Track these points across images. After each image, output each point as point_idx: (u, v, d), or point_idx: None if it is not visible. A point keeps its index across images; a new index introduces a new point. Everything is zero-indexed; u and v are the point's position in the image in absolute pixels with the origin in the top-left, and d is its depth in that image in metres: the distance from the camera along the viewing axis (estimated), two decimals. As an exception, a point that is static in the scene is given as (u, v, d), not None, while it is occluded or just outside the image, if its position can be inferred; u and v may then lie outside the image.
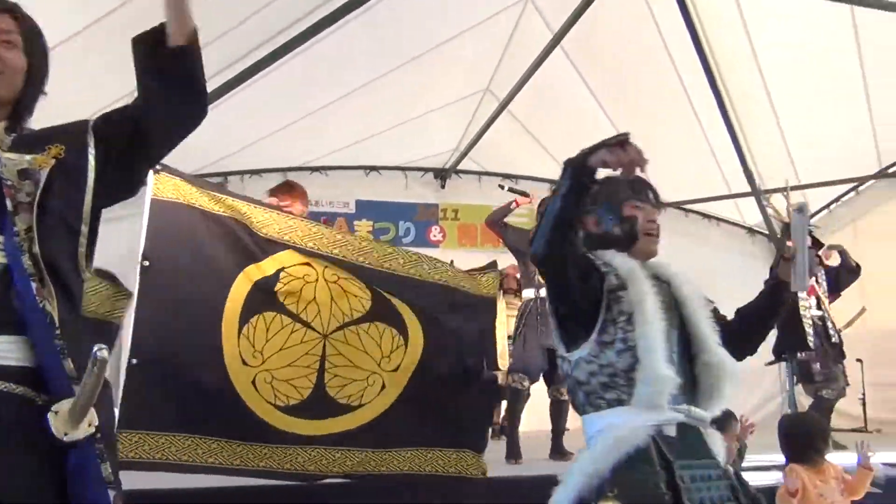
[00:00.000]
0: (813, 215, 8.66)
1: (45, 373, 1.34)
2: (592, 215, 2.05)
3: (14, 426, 1.31)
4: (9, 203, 1.41)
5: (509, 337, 5.17)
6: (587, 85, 7.12)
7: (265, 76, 5.60)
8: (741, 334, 2.05)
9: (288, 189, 4.58)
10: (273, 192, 4.53)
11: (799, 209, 2.13)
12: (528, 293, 5.08)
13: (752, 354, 2.10)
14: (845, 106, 6.87)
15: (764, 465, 4.06)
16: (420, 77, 6.62)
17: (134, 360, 2.74)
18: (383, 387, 3.02)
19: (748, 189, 7.52)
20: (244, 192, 8.16)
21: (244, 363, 2.92)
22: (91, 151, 1.54)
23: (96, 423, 1.35)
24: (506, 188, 5.38)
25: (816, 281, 5.70)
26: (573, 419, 4.82)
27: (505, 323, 6.52)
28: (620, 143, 1.88)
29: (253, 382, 2.91)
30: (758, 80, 6.73)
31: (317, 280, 3.06)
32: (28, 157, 1.48)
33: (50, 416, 1.30)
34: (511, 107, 7.09)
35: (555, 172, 7.51)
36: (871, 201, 8.40)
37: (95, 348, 1.25)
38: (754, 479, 3.58)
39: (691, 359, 1.89)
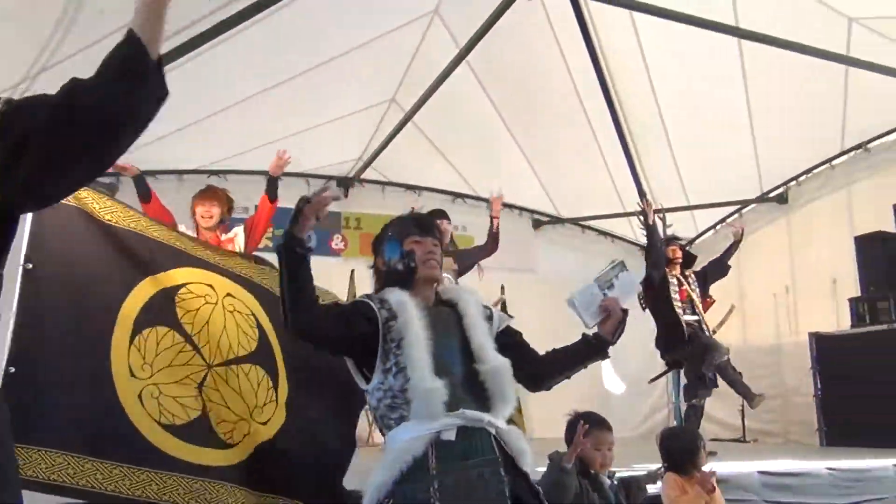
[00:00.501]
0: (700, 235, 9.13)
1: None
2: (380, 256, 2.28)
3: None
4: None
5: None
6: (491, 100, 7.25)
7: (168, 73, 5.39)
8: (541, 371, 2.30)
9: (211, 195, 4.53)
10: (196, 198, 4.48)
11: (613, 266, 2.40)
12: None
13: (545, 390, 2.38)
14: (732, 133, 7.28)
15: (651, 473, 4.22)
16: (325, 84, 6.55)
17: (12, 369, 2.56)
18: (248, 434, 2.87)
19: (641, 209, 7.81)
20: (136, 194, 7.88)
21: (132, 375, 2.76)
22: None
23: None
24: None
25: (689, 286, 5.97)
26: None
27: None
28: (317, 195, 2.22)
29: (140, 396, 2.75)
30: (653, 105, 7.04)
31: (215, 304, 2.94)
32: None
33: None
34: (416, 118, 7.12)
35: (458, 185, 7.70)
36: (751, 223, 8.91)
37: None
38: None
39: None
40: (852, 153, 7.60)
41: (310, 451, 2.96)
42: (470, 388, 2.05)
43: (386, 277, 2.23)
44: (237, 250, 4.55)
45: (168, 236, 3.00)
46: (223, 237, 4.66)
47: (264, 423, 2.91)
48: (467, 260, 5.36)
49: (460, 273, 5.25)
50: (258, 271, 3.16)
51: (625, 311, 2.34)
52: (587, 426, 2.83)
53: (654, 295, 5.89)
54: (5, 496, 1.32)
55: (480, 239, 7.80)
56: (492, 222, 5.38)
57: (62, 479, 2.59)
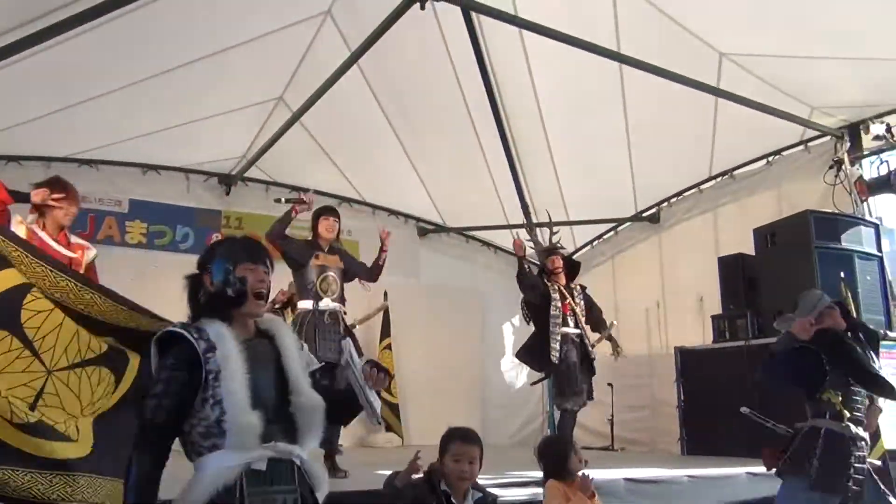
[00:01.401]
0: (578, 250, 9.46)
1: None
2: (207, 273, 2.21)
3: None
4: None
5: None
6: (380, 106, 7.24)
7: (35, 54, 5.04)
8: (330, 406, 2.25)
9: (62, 188, 4.14)
10: (40, 187, 4.07)
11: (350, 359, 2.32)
12: (306, 304, 5.02)
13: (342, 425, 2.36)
14: (611, 153, 7.60)
15: (524, 480, 4.31)
16: (210, 78, 6.32)
17: None
18: (83, 428, 2.71)
19: (523, 221, 8.00)
20: (-3, 180, 7.29)
21: None
22: None
23: None
24: (283, 200, 5.22)
25: (573, 298, 6.15)
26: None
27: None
28: None
29: None
30: (538, 122, 7.24)
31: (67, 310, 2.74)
32: None
33: None
34: (303, 119, 6.99)
35: (344, 189, 7.65)
36: (626, 241, 9.33)
37: None
38: (514, 495, 3.82)
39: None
40: (719, 179, 8.08)
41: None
42: (282, 419, 2.12)
43: (210, 298, 2.19)
44: (84, 258, 4.17)
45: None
46: (72, 240, 4.22)
47: (93, 414, 2.77)
48: (352, 267, 5.31)
49: (345, 274, 5.19)
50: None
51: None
52: (419, 455, 2.93)
53: (537, 309, 6.07)
54: None
55: (365, 244, 7.80)
56: (379, 255, 5.36)
57: None
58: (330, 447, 4.89)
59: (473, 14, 5.99)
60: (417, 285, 9.25)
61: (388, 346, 8.66)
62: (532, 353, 6.17)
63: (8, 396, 2.57)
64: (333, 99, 6.56)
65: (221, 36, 5.95)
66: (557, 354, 5.83)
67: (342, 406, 2.33)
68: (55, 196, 4.03)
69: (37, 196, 3.99)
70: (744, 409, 4.16)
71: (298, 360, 2.25)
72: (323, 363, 2.82)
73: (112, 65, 5.85)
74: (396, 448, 8.11)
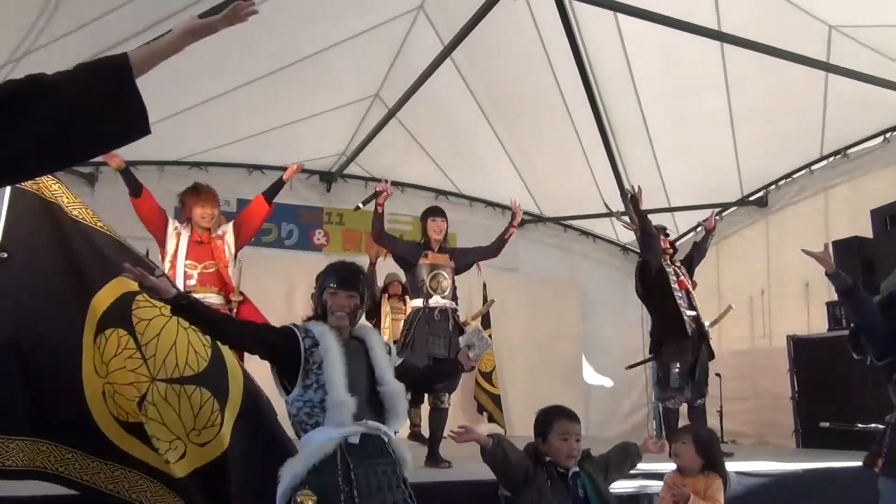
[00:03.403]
0: (680, 237, 9.19)
1: None
2: (316, 289, 2.78)
3: None
4: None
5: (395, 341, 5.21)
6: (475, 98, 7.25)
7: (144, 65, 5.35)
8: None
9: (194, 194, 4.72)
10: (193, 200, 4.68)
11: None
12: (417, 303, 5.11)
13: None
14: (713, 136, 7.34)
15: (631, 472, 4.23)
16: (309, 78, 6.53)
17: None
18: (183, 455, 2.78)
19: (623, 209, 7.85)
20: (116, 183, 7.82)
21: (95, 372, 2.77)
22: None
23: None
24: (361, 206, 5.31)
25: (690, 277, 5.92)
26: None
27: (389, 327, 6.57)
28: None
29: (102, 392, 2.77)
30: (636, 107, 7.07)
31: (170, 317, 2.82)
32: None
33: None
34: (399, 114, 7.10)
35: (440, 182, 7.71)
36: (731, 226, 8.99)
37: None
38: (620, 487, 3.77)
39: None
40: (831, 158, 7.68)
41: (252, 478, 2.87)
42: (371, 403, 2.60)
43: (315, 307, 2.75)
44: (227, 247, 4.70)
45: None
46: (214, 234, 4.76)
47: (202, 446, 2.83)
48: (466, 259, 5.37)
49: (457, 271, 5.26)
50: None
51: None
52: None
53: (651, 284, 5.71)
54: None
55: (462, 236, 7.84)
56: (508, 229, 5.41)
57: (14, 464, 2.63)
58: (434, 438, 4.98)
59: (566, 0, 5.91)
60: (516, 277, 9.24)
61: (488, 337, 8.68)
62: (661, 336, 5.81)
63: (114, 396, 2.75)
64: (428, 93, 6.63)
65: (319, 37, 6.12)
66: (689, 331, 5.56)
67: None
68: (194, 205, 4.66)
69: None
70: (823, 424, 3.89)
71: (385, 357, 2.71)
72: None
73: (218, 70, 6.12)
74: (498, 439, 8.09)
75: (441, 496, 3.60)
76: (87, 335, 2.77)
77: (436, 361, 4.81)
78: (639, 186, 5.68)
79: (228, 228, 4.83)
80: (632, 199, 5.69)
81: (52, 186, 2.82)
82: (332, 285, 2.70)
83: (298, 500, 2.33)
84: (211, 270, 4.71)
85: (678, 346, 5.61)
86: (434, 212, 5.33)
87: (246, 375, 3.02)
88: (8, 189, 2.73)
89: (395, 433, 2.65)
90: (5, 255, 2.67)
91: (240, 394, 2.96)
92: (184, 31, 1.68)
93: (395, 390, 2.63)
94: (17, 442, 2.65)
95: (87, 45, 5.23)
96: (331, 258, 8.86)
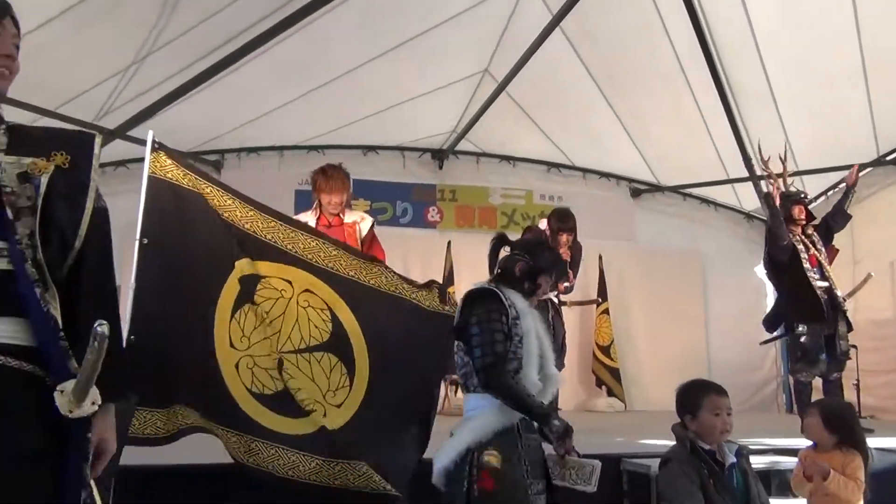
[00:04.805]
0: (811, 202, 8.66)
1: (50, 362, 1.41)
2: (533, 260, 2.72)
3: (20, 399, 1.39)
4: (9, 211, 1.41)
5: None
6: (586, 67, 7.09)
7: (262, 54, 5.57)
8: None
9: (323, 178, 4.48)
10: (323, 186, 4.45)
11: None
12: None
13: None
14: (844, 93, 6.85)
15: (761, 448, 4.08)
16: (419, 58, 6.58)
17: (132, 337, 2.73)
18: (325, 416, 3.02)
19: (746, 175, 7.51)
20: (240, 169, 8.21)
21: (232, 346, 2.94)
22: (96, 168, 1.55)
23: (99, 402, 1.40)
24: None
25: (815, 247, 5.62)
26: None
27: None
28: None
29: (236, 366, 2.93)
30: (757, 66, 6.70)
31: (290, 299, 3.05)
32: (27, 160, 1.47)
33: (56, 394, 1.37)
34: (509, 88, 7.05)
35: (552, 155, 7.60)
36: (866, 188, 8.39)
37: (96, 324, 1.28)
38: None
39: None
40: (981, 109, 7.02)
41: (384, 436, 3.07)
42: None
43: (522, 276, 2.67)
44: (358, 233, 4.55)
45: (259, 227, 3.10)
46: (346, 220, 4.59)
47: (339, 406, 3.03)
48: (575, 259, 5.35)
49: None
50: (363, 267, 3.23)
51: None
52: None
53: (782, 270, 5.58)
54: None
55: (577, 209, 7.75)
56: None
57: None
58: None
59: (679, -43, 5.66)
60: (634, 247, 9.04)
61: (606, 311, 8.56)
62: (778, 320, 5.69)
63: (253, 368, 2.92)
64: (538, 65, 6.54)
65: (428, 15, 6.16)
66: (825, 308, 5.33)
67: None
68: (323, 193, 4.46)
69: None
70: None
71: (548, 337, 2.73)
72: None
73: (331, 55, 6.29)
74: (618, 413, 8.03)
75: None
76: (222, 312, 2.94)
77: None
78: (770, 157, 5.44)
79: (368, 224, 4.62)
80: (766, 197, 5.57)
81: (187, 176, 2.99)
82: (550, 276, 2.76)
83: (486, 458, 2.39)
84: None
85: (810, 318, 5.38)
86: (564, 221, 5.29)
87: (371, 350, 3.15)
88: (145, 179, 2.91)
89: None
90: (146, 240, 2.86)
91: (366, 365, 3.12)
92: None
93: (556, 371, 2.71)
94: (156, 414, 2.84)
95: (208, 39, 5.50)
96: (445, 235, 9.01)
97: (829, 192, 8.79)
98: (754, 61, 6.64)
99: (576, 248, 5.37)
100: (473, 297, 2.58)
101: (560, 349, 5.01)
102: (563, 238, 5.18)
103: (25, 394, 1.40)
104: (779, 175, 5.87)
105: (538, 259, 2.72)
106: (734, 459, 2.81)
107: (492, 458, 2.39)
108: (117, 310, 1.61)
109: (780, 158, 5.98)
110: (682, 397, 2.91)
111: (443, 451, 2.49)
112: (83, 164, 1.53)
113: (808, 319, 5.44)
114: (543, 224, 5.34)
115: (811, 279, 5.40)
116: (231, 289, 2.97)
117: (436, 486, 2.49)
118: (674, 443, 2.88)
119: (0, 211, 1.41)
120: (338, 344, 3.11)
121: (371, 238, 4.57)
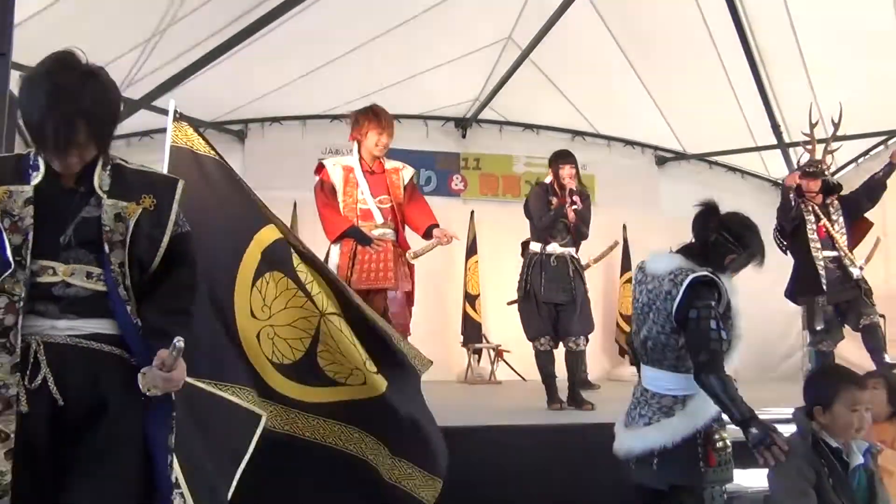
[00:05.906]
0: (840, 169, 8.52)
1: (133, 353, 1.84)
2: (734, 255, 2.82)
3: (113, 373, 1.81)
4: (106, 245, 1.79)
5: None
6: (612, 34, 6.98)
7: (283, 23, 5.55)
8: None
9: (373, 116, 4.28)
10: (371, 123, 4.23)
11: None
12: (535, 247, 5.12)
13: None
14: (875, 58, 6.67)
15: (788, 418, 4.05)
16: (441, 25, 6.52)
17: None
18: (364, 382, 2.99)
19: (774, 142, 7.39)
20: (263, 140, 8.22)
21: (252, 315, 2.93)
22: (175, 210, 1.91)
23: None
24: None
25: (829, 219, 5.54)
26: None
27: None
28: None
29: (258, 336, 2.93)
30: (788, 32, 6.55)
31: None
32: (123, 203, 1.84)
33: (139, 376, 1.78)
34: (532, 56, 6.96)
35: (576, 122, 7.51)
36: (898, 158, 8.21)
37: (176, 339, 1.71)
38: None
39: None
40: None
41: (413, 415, 3.09)
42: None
43: (732, 263, 2.82)
44: (400, 180, 4.41)
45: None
46: (387, 166, 4.41)
47: (377, 373, 3.00)
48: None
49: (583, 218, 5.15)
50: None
51: None
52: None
53: (789, 240, 5.61)
54: None
55: (601, 176, 7.70)
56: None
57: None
58: (573, 380, 5.00)
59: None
60: (659, 217, 8.95)
61: (629, 281, 8.52)
62: (797, 286, 5.61)
63: (274, 338, 2.93)
64: (562, 31, 6.45)
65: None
66: (824, 282, 5.31)
67: None
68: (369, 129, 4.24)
69: None
70: None
71: None
72: None
73: (353, 24, 6.26)
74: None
75: (589, 438, 3.67)
76: (243, 281, 2.94)
77: (559, 307, 4.96)
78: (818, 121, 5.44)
79: (410, 173, 4.44)
80: (785, 190, 5.66)
81: (206, 147, 3.00)
82: (756, 263, 2.85)
83: (723, 435, 2.52)
84: (386, 206, 4.28)
85: (806, 291, 5.44)
86: (563, 159, 5.11)
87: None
88: (167, 149, 2.93)
89: None
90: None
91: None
92: None
93: (743, 331, 2.77)
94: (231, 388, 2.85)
95: (229, 9, 5.49)
96: (469, 204, 8.96)
97: (860, 160, 8.62)
98: (784, 24, 6.49)
99: (584, 195, 5.22)
100: (696, 285, 2.59)
101: (581, 310, 5.00)
102: (566, 170, 5.00)
103: (116, 369, 1.81)
104: (820, 141, 5.79)
105: (750, 247, 2.83)
106: (862, 460, 2.52)
107: (725, 438, 2.53)
108: (186, 314, 1.96)
109: (833, 122, 5.88)
110: (814, 385, 2.68)
111: (660, 430, 2.52)
112: (166, 205, 1.89)
113: (805, 291, 5.48)
114: (549, 179, 5.22)
115: (814, 250, 5.36)
116: (252, 256, 2.96)
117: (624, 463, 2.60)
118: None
119: (99, 244, 1.79)
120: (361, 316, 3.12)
121: (412, 187, 4.46)
